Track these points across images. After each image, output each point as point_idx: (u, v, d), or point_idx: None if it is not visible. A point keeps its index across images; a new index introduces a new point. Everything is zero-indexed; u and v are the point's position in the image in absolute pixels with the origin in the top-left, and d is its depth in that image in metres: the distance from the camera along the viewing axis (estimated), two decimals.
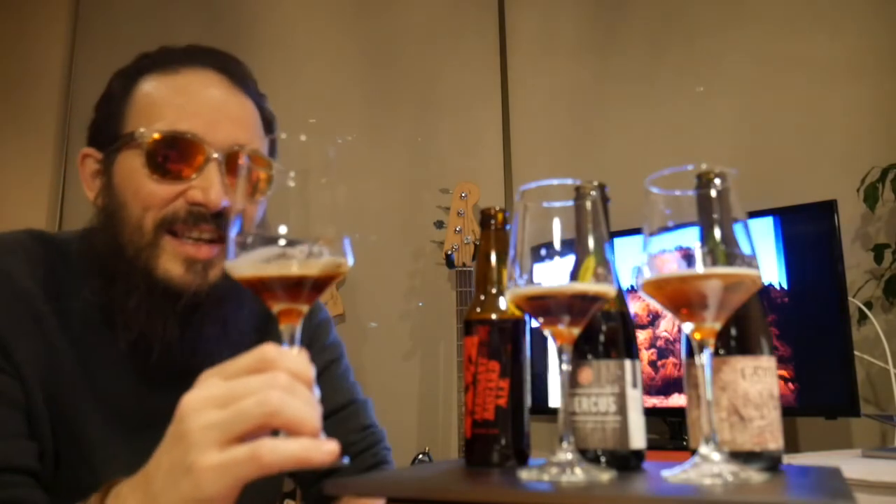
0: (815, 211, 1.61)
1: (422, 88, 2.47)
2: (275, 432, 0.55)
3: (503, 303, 0.70)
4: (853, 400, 1.50)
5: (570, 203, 0.59)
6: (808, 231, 1.61)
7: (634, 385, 0.65)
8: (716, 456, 0.55)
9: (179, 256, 0.84)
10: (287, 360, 0.56)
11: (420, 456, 2.09)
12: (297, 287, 0.58)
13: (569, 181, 0.60)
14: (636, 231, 1.57)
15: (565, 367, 0.61)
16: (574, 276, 0.58)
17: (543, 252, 0.59)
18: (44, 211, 2.62)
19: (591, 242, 0.59)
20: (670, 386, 1.73)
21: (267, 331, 0.99)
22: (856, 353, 1.55)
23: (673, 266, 0.57)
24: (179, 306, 0.84)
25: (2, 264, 0.83)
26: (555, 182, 0.60)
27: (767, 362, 0.64)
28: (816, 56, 2.00)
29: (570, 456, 0.57)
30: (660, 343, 1.75)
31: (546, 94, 2.36)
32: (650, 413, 1.74)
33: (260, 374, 0.55)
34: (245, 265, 0.58)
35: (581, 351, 0.65)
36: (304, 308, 0.61)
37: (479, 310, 0.70)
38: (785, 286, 1.61)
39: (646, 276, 0.59)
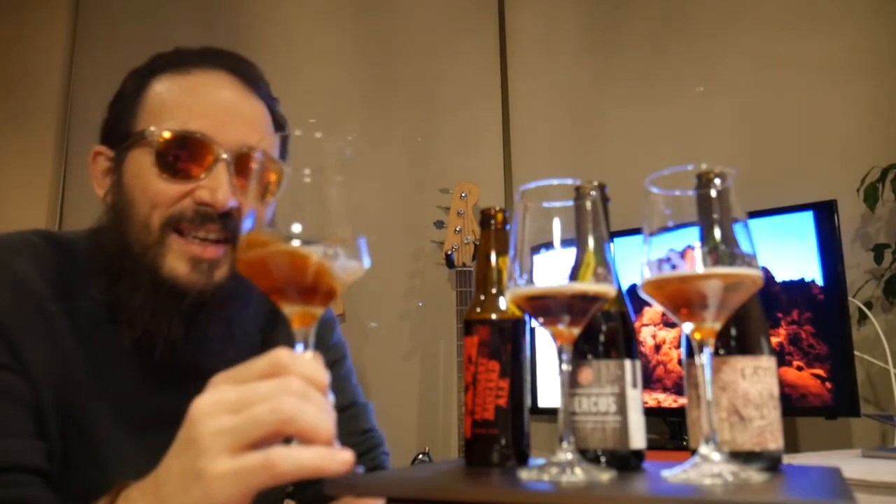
0: (815, 211, 1.61)
1: (422, 88, 2.47)
2: (287, 439, 0.54)
3: (503, 303, 0.69)
4: (853, 400, 1.49)
5: (570, 203, 0.59)
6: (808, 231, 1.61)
7: (634, 385, 0.65)
8: (716, 456, 0.55)
9: (185, 255, 0.85)
10: (301, 364, 0.55)
11: (420, 456, 2.09)
12: (312, 289, 0.57)
13: (569, 181, 0.60)
14: (636, 231, 1.57)
15: (565, 367, 0.61)
16: (574, 276, 0.58)
17: (543, 252, 0.59)
18: (44, 211, 2.62)
19: (591, 242, 0.59)
20: None
21: (271, 332, 0.99)
22: (856, 353, 1.55)
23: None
24: (184, 305, 0.85)
25: (11, 265, 0.83)
26: (555, 182, 0.60)
27: (767, 362, 0.64)
28: (816, 56, 2.00)
29: (570, 456, 0.57)
30: None
31: (546, 94, 2.36)
32: (655, 413, 1.75)
33: (273, 379, 0.54)
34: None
35: (581, 351, 0.65)
36: (319, 311, 0.60)
37: (479, 310, 0.70)
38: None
39: (646, 276, 0.59)
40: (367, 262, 0.59)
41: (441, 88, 2.46)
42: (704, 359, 0.59)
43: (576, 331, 0.60)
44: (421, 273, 2.36)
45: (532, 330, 0.72)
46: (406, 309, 2.35)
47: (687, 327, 0.60)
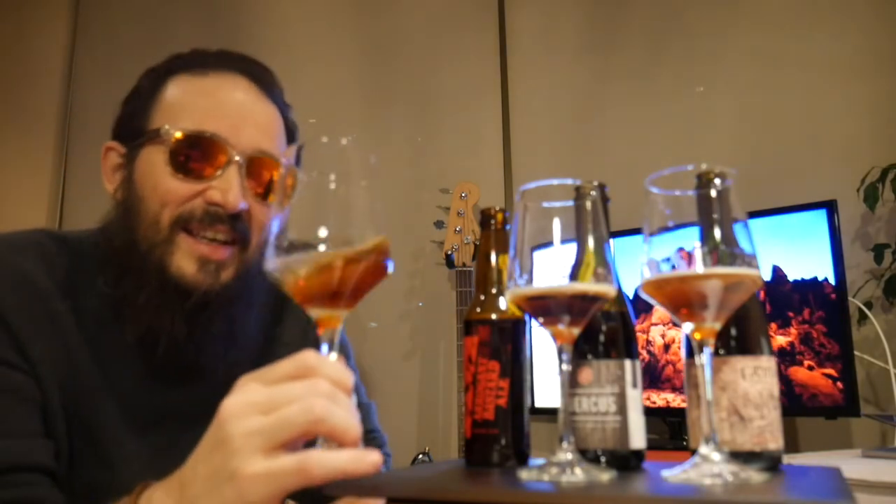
0: (814, 211, 1.61)
1: (422, 88, 2.47)
2: (312, 440, 0.54)
3: (503, 303, 0.69)
4: (853, 400, 1.49)
5: (570, 203, 0.59)
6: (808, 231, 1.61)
7: (634, 385, 0.65)
8: (716, 456, 0.55)
9: (194, 255, 0.85)
10: (328, 367, 0.56)
11: (420, 456, 2.09)
12: (337, 294, 0.58)
13: (569, 181, 0.60)
14: (636, 231, 1.57)
15: (565, 367, 0.61)
16: (574, 276, 0.58)
17: (543, 252, 0.59)
18: (44, 211, 2.61)
19: (591, 242, 0.59)
20: None
21: (274, 334, 1.00)
22: (856, 353, 1.55)
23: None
24: (189, 304, 0.85)
25: (18, 263, 0.83)
26: (555, 182, 0.60)
27: (767, 362, 0.64)
28: (816, 56, 2.00)
29: (570, 456, 0.57)
30: None
31: (546, 94, 2.36)
32: (662, 413, 1.75)
33: (302, 381, 0.54)
34: (290, 270, 0.58)
35: (581, 351, 0.65)
36: (344, 314, 0.60)
37: (479, 310, 0.70)
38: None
39: (646, 276, 0.59)
40: (390, 265, 0.60)
41: (441, 88, 2.46)
42: (704, 359, 0.59)
43: (576, 331, 0.60)
44: (421, 273, 2.36)
45: (530, 330, 0.72)
46: (406, 309, 2.35)
47: (687, 327, 0.60)
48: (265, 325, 0.97)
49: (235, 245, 0.87)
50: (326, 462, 0.52)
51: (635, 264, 0.60)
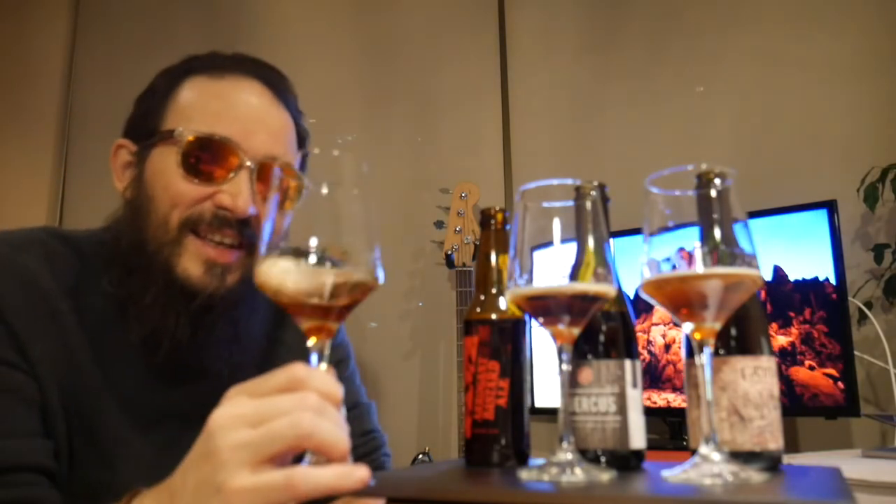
0: (814, 211, 1.61)
1: (422, 88, 2.47)
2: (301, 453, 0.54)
3: (503, 303, 0.70)
4: (853, 400, 1.49)
5: (570, 203, 0.59)
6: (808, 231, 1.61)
7: (634, 385, 0.65)
8: (716, 456, 0.55)
9: (201, 257, 0.86)
10: (317, 380, 0.56)
11: (420, 456, 2.09)
12: (328, 305, 0.58)
13: (569, 181, 0.60)
14: (636, 231, 1.57)
15: (565, 367, 0.61)
16: (574, 276, 0.58)
17: (543, 252, 0.59)
18: (44, 211, 2.61)
19: (591, 242, 0.59)
20: None
21: (277, 338, 1.00)
22: (856, 353, 1.55)
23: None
24: (194, 305, 0.85)
25: (21, 262, 0.83)
26: (555, 182, 0.60)
27: (767, 362, 0.64)
28: (816, 56, 2.00)
29: (570, 456, 0.57)
30: None
31: (546, 94, 2.36)
32: (662, 413, 1.74)
33: (290, 394, 0.54)
34: (274, 279, 0.58)
35: (581, 351, 0.65)
36: (335, 325, 0.60)
37: (479, 310, 0.70)
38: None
39: (646, 276, 0.59)
40: (381, 276, 0.60)
41: (441, 88, 2.46)
42: (704, 359, 0.59)
43: (576, 331, 0.60)
44: (421, 273, 2.36)
45: (530, 330, 0.72)
46: (406, 309, 2.35)
47: (687, 327, 0.60)
48: (268, 327, 0.97)
49: (242, 249, 0.88)
50: (313, 478, 0.52)
51: (635, 264, 0.60)
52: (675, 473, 0.55)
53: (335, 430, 0.54)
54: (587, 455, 0.63)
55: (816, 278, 1.58)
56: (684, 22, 2.20)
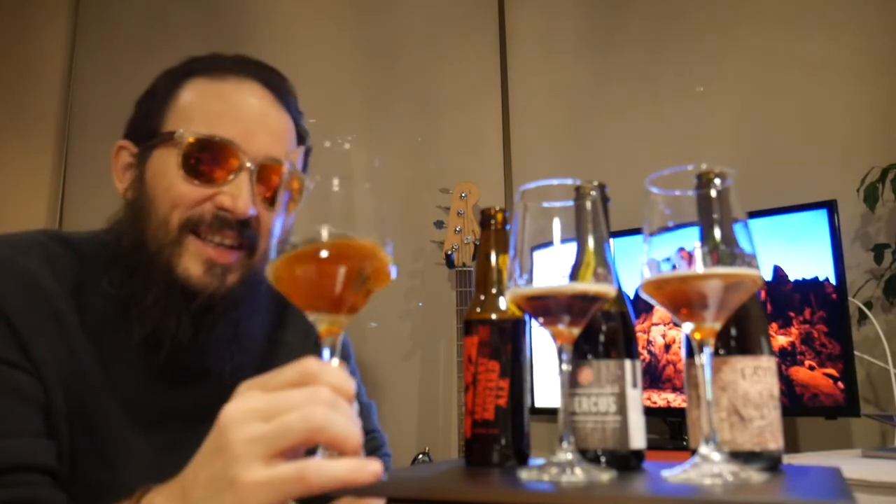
0: (814, 211, 1.61)
1: (422, 88, 2.47)
2: (313, 447, 0.54)
3: (503, 303, 0.70)
4: (853, 400, 1.49)
5: (570, 203, 0.59)
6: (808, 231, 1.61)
7: (634, 385, 0.65)
8: (716, 456, 0.55)
9: (201, 258, 0.86)
10: (329, 374, 0.56)
11: (420, 456, 2.09)
12: (339, 299, 0.58)
13: (569, 181, 0.60)
14: (636, 231, 1.57)
15: (565, 367, 0.61)
16: (574, 276, 0.58)
17: (543, 252, 0.59)
18: (44, 211, 2.61)
19: (591, 242, 0.59)
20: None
21: (277, 338, 1.00)
22: (856, 353, 1.55)
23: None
24: (194, 305, 0.85)
25: (23, 264, 0.84)
26: (555, 182, 0.60)
27: (767, 362, 0.64)
28: (817, 56, 2.00)
29: (570, 456, 0.57)
30: None
31: (546, 94, 2.36)
32: (661, 413, 1.74)
33: (302, 388, 0.55)
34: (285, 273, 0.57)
35: (581, 351, 0.65)
36: (346, 320, 0.60)
37: (479, 310, 0.70)
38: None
39: (646, 276, 0.59)
40: (393, 271, 0.60)
41: (441, 88, 2.46)
42: (704, 359, 0.59)
43: (576, 331, 0.60)
44: (421, 273, 2.36)
45: (530, 330, 0.72)
46: (406, 309, 2.35)
47: (687, 327, 0.60)
48: (268, 328, 0.97)
49: (242, 250, 0.88)
50: (326, 471, 0.52)
51: (635, 264, 0.60)
52: (675, 473, 0.55)
53: (348, 423, 0.54)
54: (587, 455, 0.63)
55: (816, 278, 1.58)
56: (684, 22, 2.20)
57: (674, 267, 0.57)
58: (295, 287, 0.59)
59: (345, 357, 1.11)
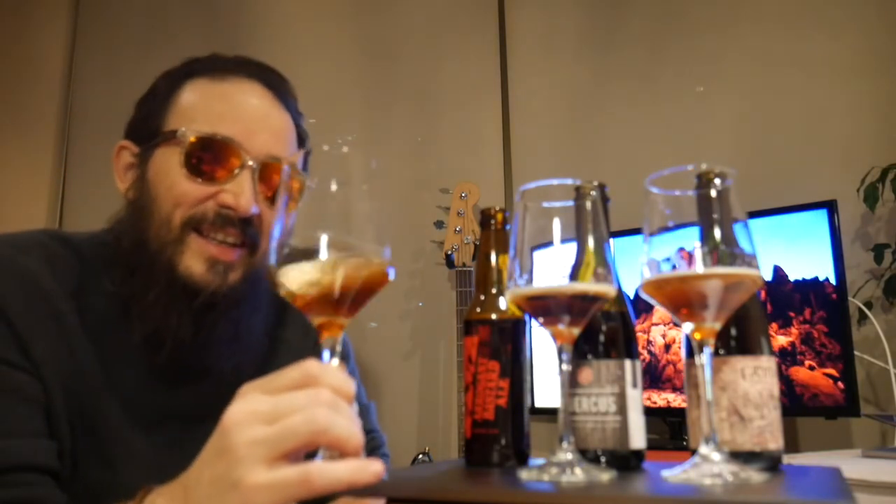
0: (814, 211, 1.61)
1: (422, 88, 2.47)
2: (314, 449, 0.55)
3: (503, 303, 0.70)
4: (853, 400, 1.49)
5: (570, 203, 0.59)
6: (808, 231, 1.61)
7: (634, 385, 0.65)
8: (716, 456, 0.55)
9: (203, 255, 0.86)
10: (330, 376, 0.56)
11: (420, 456, 2.09)
12: (339, 301, 0.58)
13: (569, 181, 0.60)
14: (636, 231, 1.57)
15: (565, 367, 0.61)
16: (574, 276, 0.58)
17: (543, 252, 0.59)
18: (44, 211, 2.61)
19: (591, 242, 0.59)
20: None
21: (278, 336, 1.00)
22: (856, 353, 1.55)
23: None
24: (196, 303, 0.85)
25: (23, 264, 0.84)
26: (555, 182, 0.60)
27: (767, 362, 0.64)
28: (817, 56, 2.00)
29: (570, 456, 0.57)
30: None
31: (546, 94, 2.36)
32: (661, 413, 1.74)
33: (304, 390, 0.55)
34: (292, 277, 0.58)
35: (581, 351, 0.65)
36: (346, 321, 0.61)
37: (479, 310, 0.70)
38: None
39: (646, 276, 0.59)
40: (392, 273, 0.60)
41: (441, 88, 2.46)
42: (704, 359, 0.59)
43: (576, 331, 0.60)
44: (421, 273, 2.36)
45: (530, 330, 0.72)
46: (406, 309, 2.35)
47: (687, 327, 0.60)
48: (269, 326, 0.97)
49: (244, 248, 0.89)
50: (329, 473, 0.52)
51: (635, 264, 0.60)
52: (675, 473, 0.55)
53: (349, 425, 0.54)
54: (587, 455, 0.63)
55: (816, 278, 1.58)
56: (684, 22, 2.20)
57: (674, 267, 0.57)
58: (299, 298, 0.59)
59: (344, 357, 1.11)
